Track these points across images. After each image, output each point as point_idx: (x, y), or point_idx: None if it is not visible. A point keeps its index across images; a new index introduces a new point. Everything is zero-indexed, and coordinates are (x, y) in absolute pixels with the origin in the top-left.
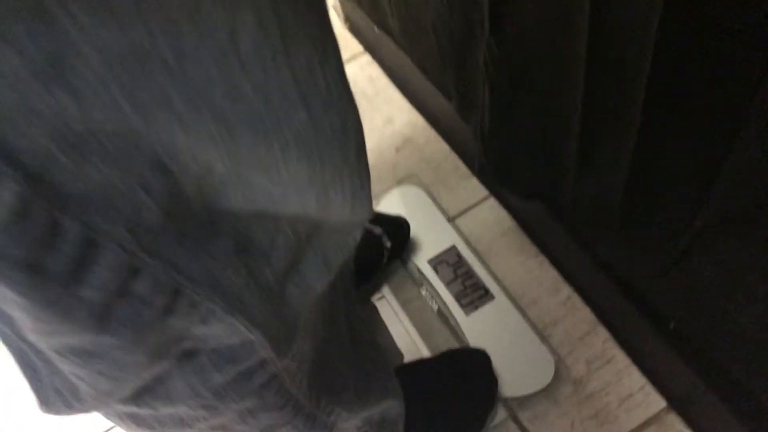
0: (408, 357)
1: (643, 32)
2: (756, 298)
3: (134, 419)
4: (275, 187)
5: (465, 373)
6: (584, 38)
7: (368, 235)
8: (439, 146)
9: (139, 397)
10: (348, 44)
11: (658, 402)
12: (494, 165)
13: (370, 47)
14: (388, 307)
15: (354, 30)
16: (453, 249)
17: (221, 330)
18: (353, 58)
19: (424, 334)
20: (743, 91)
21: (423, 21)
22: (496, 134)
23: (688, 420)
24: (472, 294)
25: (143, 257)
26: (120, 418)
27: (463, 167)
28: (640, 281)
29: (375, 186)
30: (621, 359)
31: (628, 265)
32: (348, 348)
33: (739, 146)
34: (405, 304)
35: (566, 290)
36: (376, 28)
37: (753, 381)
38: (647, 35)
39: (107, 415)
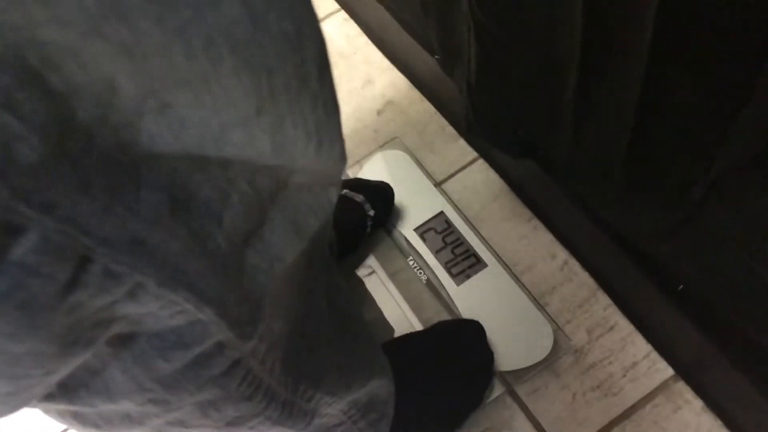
0: (400, 331)
1: None
2: None
3: (75, 417)
4: (210, 115)
5: (458, 347)
6: None
7: (350, 202)
8: (424, 107)
9: (71, 392)
10: (322, 1)
11: (665, 370)
12: (483, 121)
13: (345, 4)
14: (376, 278)
15: None
16: (441, 215)
17: (159, 308)
18: (328, 16)
19: (415, 307)
20: None
21: None
22: (483, 85)
23: (698, 388)
24: (463, 262)
25: (22, 209)
26: (60, 415)
27: (449, 128)
28: (645, 241)
29: (355, 151)
30: (624, 326)
31: (632, 224)
32: (328, 325)
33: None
34: (393, 276)
35: (563, 255)
36: None
37: None
38: None
39: (45, 412)
